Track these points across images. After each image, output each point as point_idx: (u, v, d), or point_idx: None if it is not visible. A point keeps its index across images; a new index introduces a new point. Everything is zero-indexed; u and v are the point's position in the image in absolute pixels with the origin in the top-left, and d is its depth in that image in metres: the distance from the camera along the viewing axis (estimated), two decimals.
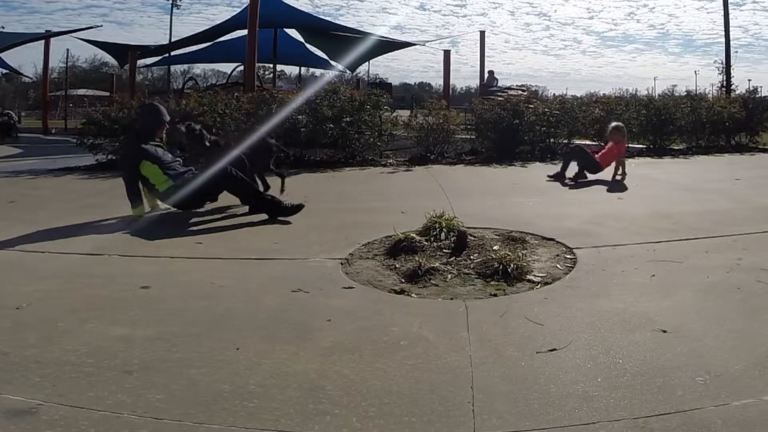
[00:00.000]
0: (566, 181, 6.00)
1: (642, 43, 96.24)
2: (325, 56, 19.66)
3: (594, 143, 8.23)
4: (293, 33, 17.79)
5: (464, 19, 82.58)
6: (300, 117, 7.81)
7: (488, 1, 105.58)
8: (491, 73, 15.27)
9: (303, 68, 24.73)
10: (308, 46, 18.86)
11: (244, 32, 11.77)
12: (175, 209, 4.53)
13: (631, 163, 7.78)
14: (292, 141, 7.89)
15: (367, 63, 24.53)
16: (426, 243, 3.41)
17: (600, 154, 6.23)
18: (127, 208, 4.65)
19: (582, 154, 6.22)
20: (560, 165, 6.27)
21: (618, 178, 6.02)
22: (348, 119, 7.93)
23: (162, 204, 4.59)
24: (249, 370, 1.99)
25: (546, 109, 8.59)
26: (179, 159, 4.63)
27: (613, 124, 6.62)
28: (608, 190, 5.53)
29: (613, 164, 6.11)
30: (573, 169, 6.10)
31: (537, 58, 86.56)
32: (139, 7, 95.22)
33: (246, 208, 4.42)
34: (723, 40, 14.99)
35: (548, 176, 6.23)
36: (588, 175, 6.04)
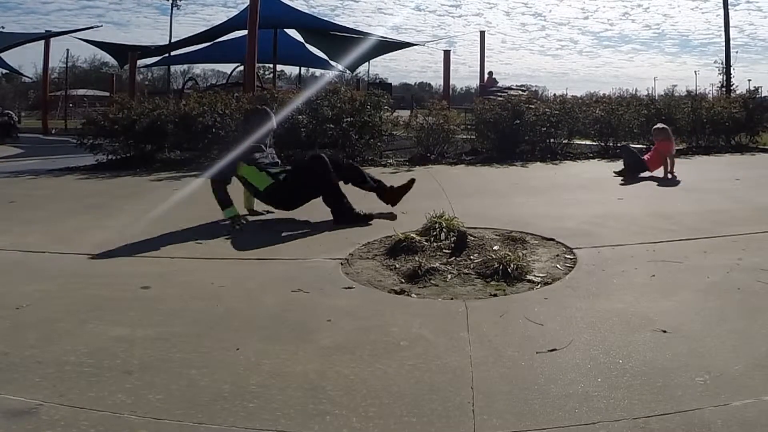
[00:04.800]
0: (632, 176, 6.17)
1: (638, 43, 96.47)
2: (324, 56, 19.69)
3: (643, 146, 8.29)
4: (293, 33, 17.81)
5: (460, 20, 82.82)
6: (300, 117, 7.82)
7: (483, 1, 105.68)
8: (491, 73, 15.29)
9: (303, 68, 24.77)
10: (308, 46, 18.87)
11: (244, 32, 11.79)
12: (274, 211, 4.49)
13: None
14: (292, 141, 7.90)
15: (366, 63, 24.56)
16: (426, 243, 3.41)
17: (647, 155, 6.40)
18: (126, 207, 4.66)
19: (629, 153, 6.46)
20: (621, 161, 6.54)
21: (669, 176, 6.16)
22: (348, 120, 7.93)
23: (259, 206, 4.54)
24: (249, 370, 1.99)
25: (546, 110, 8.59)
26: (278, 161, 4.63)
27: (657, 125, 6.84)
28: (608, 190, 5.53)
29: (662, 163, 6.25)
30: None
31: (534, 58, 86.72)
32: (135, 7, 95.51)
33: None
34: (719, 40, 15.06)
35: (614, 172, 6.38)
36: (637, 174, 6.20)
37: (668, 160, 6.22)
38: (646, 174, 6.20)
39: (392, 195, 4.47)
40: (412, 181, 4.52)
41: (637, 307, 2.49)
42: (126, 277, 3.05)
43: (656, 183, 5.93)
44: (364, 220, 4.12)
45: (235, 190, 4.41)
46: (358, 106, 8.09)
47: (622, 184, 5.86)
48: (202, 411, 1.74)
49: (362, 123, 7.98)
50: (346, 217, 4.12)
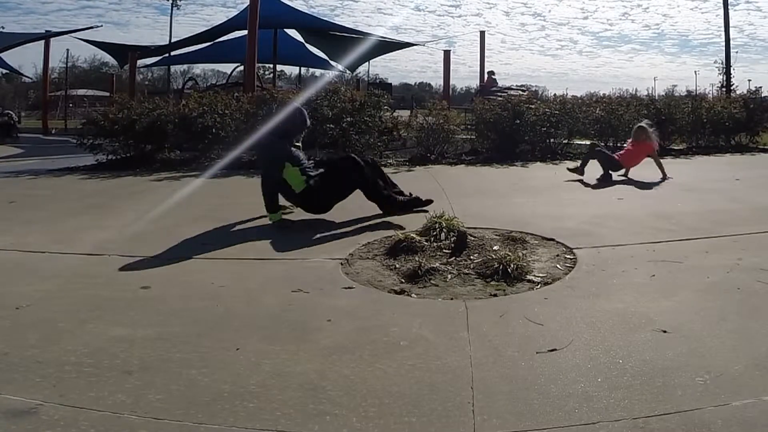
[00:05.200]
0: (584, 178, 6.09)
1: (638, 43, 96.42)
2: (324, 56, 19.69)
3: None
4: (293, 33, 17.81)
5: (459, 20, 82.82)
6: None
7: (483, 1, 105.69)
8: (491, 73, 15.28)
9: (303, 68, 24.76)
10: (308, 46, 18.87)
11: (244, 32, 11.79)
12: (305, 212, 4.45)
13: None
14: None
15: (366, 63, 24.55)
16: (426, 243, 3.41)
17: (619, 154, 6.32)
18: (126, 207, 4.66)
19: (600, 154, 6.32)
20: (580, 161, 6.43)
21: (664, 178, 6.07)
22: (348, 120, 7.93)
23: (292, 207, 4.51)
24: (249, 370, 1.99)
25: (546, 110, 8.59)
26: (312, 161, 4.62)
27: (639, 123, 6.74)
28: (608, 190, 5.53)
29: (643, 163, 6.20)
30: (596, 169, 6.14)
31: (534, 58, 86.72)
32: (134, 7, 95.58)
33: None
34: (719, 40, 15.11)
35: (568, 169, 6.35)
36: (612, 174, 6.10)
37: (656, 162, 6.14)
38: (620, 174, 6.09)
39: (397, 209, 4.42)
40: (429, 201, 4.50)
41: (637, 307, 2.49)
42: (126, 277, 3.05)
43: (656, 183, 5.93)
44: (411, 206, 4.33)
45: (236, 184, 4.40)
46: (358, 106, 8.09)
47: (623, 185, 5.85)
48: (202, 411, 1.74)
49: (362, 123, 7.97)
50: (394, 206, 4.26)
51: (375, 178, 4.34)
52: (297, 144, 4.51)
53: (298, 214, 4.33)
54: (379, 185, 4.32)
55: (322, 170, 4.44)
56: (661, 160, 6.43)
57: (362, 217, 4.30)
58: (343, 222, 4.21)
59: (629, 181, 5.95)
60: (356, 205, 4.32)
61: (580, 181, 6.03)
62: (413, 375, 1.95)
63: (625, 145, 6.77)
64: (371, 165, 4.50)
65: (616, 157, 6.19)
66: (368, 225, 4.10)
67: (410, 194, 4.55)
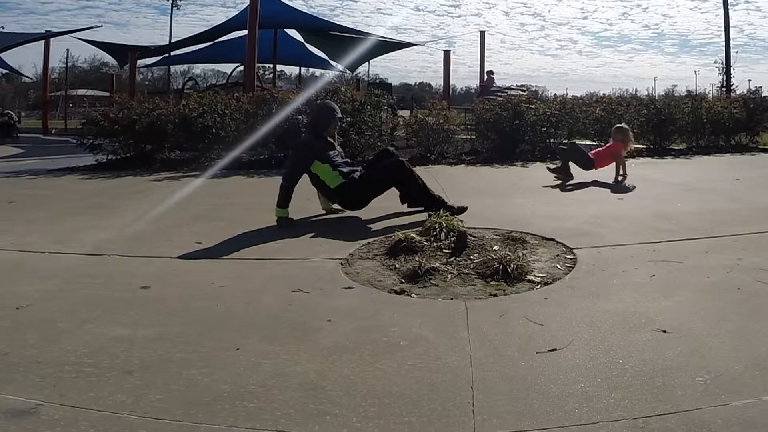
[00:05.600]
0: (568, 177, 6.02)
1: (638, 43, 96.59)
2: (325, 56, 19.70)
3: (594, 143, 8.21)
4: (293, 33, 17.82)
5: (459, 20, 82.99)
6: (300, 117, 7.81)
7: (482, 1, 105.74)
8: (489, 73, 15.30)
9: (303, 68, 24.77)
10: (308, 46, 18.88)
11: (244, 32, 11.80)
12: (345, 210, 4.47)
13: (631, 163, 7.76)
14: (292, 141, 7.89)
15: (366, 63, 24.56)
16: (426, 243, 3.41)
17: (594, 151, 6.24)
18: (126, 207, 4.65)
19: (574, 149, 6.21)
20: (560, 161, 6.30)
21: (619, 179, 5.97)
22: (348, 120, 7.93)
23: (334, 205, 4.53)
24: (249, 370, 1.99)
25: (546, 110, 8.59)
26: (348, 159, 4.62)
27: (618, 124, 6.64)
28: (608, 190, 5.53)
29: (614, 164, 6.08)
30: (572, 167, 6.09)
31: (534, 58, 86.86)
32: (134, 8, 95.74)
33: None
34: (719, 40, 15.15)
35: (548, 168, 6.29)
36: (582, 172, 6.01)
37: (618, 163, 6.03)
38: (592, 173, 6.00)
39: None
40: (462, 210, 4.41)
41: (637, 307, 2.49)
42: (126, 277, 3.05)
43: (655, 183, 5.93)
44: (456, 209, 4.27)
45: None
46: (358, 106, 8.09)
47: (622, 185, 5.84)
48: (202, 411, 1.74)
49: (362, 123, 7.96)
50: (437, 204, 4.22)
51: (413, 176, 4.31)
52: (330, 140, 4.51)
53: (299, 215, 4.33)
54: (416, 183, 4.28)
55: (358, 168, 4.45)
56: (661, 160, 6.40)
57: (362, 217, 4.30)
58: (344, 222, 4.21)
59: (629, 182, 5.92)
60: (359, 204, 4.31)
61: (561, 183, 5.93)
62: (413, 375, 1.95)
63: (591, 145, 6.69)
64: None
65: (590, 155, 6.12)
66: (368, 225, 4.11)
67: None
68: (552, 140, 8.58)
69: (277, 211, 4.18)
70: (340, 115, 4.65)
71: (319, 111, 4.68)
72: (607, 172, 6.00)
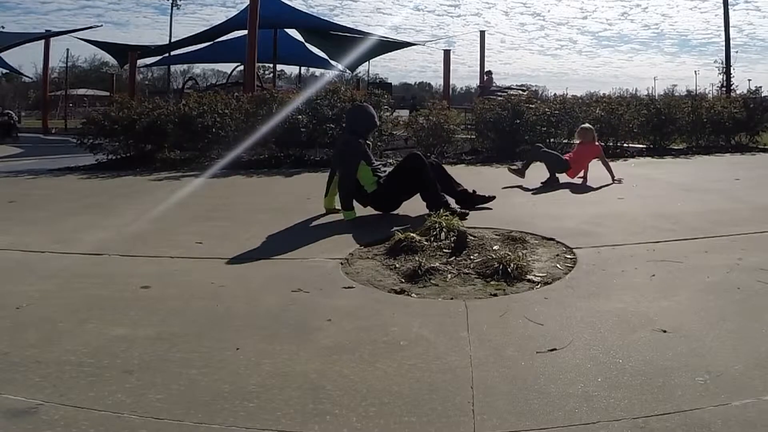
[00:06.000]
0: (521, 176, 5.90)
1: (637, 43, 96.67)
2: (325, 56, 19.70)
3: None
4: (293, 33, 17.82)
5: (459, 19, 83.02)
6: (300, 117, 7.82)
7: (482, 1, 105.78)
8: (488, 74, 15.31)
9: (303, 68, 24.78)
10: (308, 46, 18.88)
11: (244, 32, 11.81)
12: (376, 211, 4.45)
13: (631, 163, 7.82)
14: (292, 141, 7.90)
15: (366, 63, 24.57)
16: (426, 243, 3.41)
17: (569, 155, 6.12)
18: (126, 207, 4.65)
19: (546, 154, 6.03)
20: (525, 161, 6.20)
21: (579, 179, 5.89)
22: None
23: (365, 206, 4.50)
24: (249, 370, 1.99)
25: (546, 109, 8.59)
26: (382, 161, 4.65)
27: (583, 125, 6.51)
28: (608, 191, 5.53)
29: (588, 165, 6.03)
30: (541, 172, 5.95)
31: (534, 58, 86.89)
32: (134, 7, 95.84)
33: None
34: (718, 40, 15.21)
35: (509, 169, 6.15)
36: (559, 177, 5.88)
37: (604, 163, 5.96)
38: (565, 177, 5.89)
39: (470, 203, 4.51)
40: (492, 197, 4.58)
41: (637, 307, 2.49)
42: (126, 277, 3.05)
43: (655, 183, 5.93)
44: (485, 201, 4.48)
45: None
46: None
47: (622, 185, 5.84)
48: (202, 411, 1.74)
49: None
50: (467, 203, 4.34)
51: (436, 179, 4.31)
52: (368, 142, 4.53)
53: (299, 214, 4.33)
54: (438, 185, 4.30)
55: (389, 170, 4.45)
56: (661, 160, 6.40)
57: (362, 217, 4.30)
58: (344, 222, 4.21)
59: (629, 182, 5.93)
60: (357, 204, 4.31)
61: (521, 185, 5.77)
62: (413, 375, 1.95)
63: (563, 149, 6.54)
64: (435, 166, 4.52)
65: (566, 158, 5.99)
66: (368, 225, 4.10)
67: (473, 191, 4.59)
68: (552, 140, 8.57)
69: (344, 214, 4.22)
70: (378, 123, 4.67)
71: (360, 115, 4.62)
72: (602, 173, 5.96)
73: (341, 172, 4.35)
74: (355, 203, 4.30)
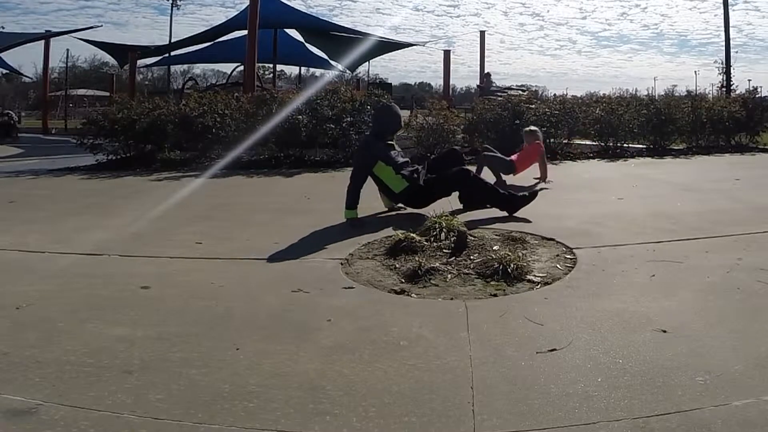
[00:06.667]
0: None
1: (637, 43, 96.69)
2: (325, 56, 19.70)
3: (594, 143, 8.12)
4: (293, 33, 17.82)
5: (458, 20, 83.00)
6: (300, 117, 7.82)
7: (481, 1, 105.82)
8: (487, 75, 15.32)
9: (303, 68, 24.78)
10: (308, 46, 18.88)
11: (244, 32, 11.81)
12: (410, 209, 4.50)
13: (631, 164, 7.82)
14: (292, 141, 7.90)
15: (366, 63, 24.57)
16: (426, 243, 3.41)
17: (515, 156, 6.09)
18: (126, 207, 4.64)
19: (489, 159, 6.00)
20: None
21: (538, 179, 5.93)
22: (349, 119, 7.93)
23: (397, 204, 4.56)
24: (249, 370, 1.99)
25: (546, 110, 8.59)
26: (408, 159, 4.62)
27: (529, 127, 6.54)
28: (608, 190, 5.53)
29: (536, 166, 6.06)
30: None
31: (533, 58, 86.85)
32: (133, 7, 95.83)
33: None
34: (718, 40, 15.29)
35: None
36: (504, 177, 5.87)
37: (543, 165, 6.01)
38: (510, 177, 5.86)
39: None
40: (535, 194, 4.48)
41: (637, 307, 2.49)
42: (126, 277, 3.05)
43: (655, 183, 5.93)
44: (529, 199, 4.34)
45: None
46: (358, 106, 8.09)
47: (621, 186, 5.84)
48: (202, 411, 1.74)
49: (362, 122, 7.96)
50: (514, 204, 4.26)
51: (478, 183, 4.35)
52: (390, 142, 4.52)
53: (298, 214, 4.32)
54: (483, 188, 4.33)
55: (417, 168, 4.46)
56: (661, 160, 6.38)
57: (362, 217, 4.30)
58: (344, 221, 4.21)
59: (629, 181, 5.93)
60: (360, 204, 4.31)
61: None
62: (413, 375, 1.95)
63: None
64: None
65: (511, 159, 5.97)
66: (368, 225, 4.10)
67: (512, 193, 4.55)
68: (552, 140, 8.57)
69: (345, 212, 4.20)
70: (403, 124, 4.66)
71: (384, 115, 4.63)
72: (599, 173, 5.98)
73: (352, 170, 4.37)
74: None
